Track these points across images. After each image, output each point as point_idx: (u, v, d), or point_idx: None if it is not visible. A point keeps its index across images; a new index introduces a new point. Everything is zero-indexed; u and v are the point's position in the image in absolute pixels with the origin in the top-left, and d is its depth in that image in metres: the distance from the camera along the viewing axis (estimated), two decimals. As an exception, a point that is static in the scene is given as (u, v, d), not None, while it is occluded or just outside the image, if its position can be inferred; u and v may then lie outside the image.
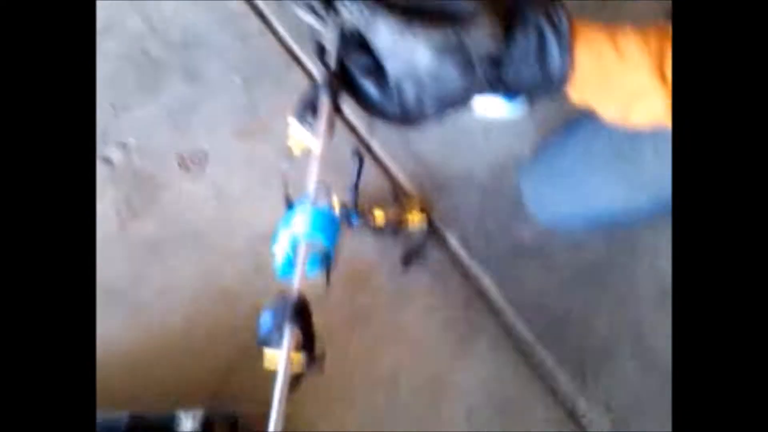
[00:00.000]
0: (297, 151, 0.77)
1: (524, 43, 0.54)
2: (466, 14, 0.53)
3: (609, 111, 0.61)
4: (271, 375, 0.71)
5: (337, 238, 0.68)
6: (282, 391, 0.57)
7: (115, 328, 1.00)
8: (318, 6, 0.57)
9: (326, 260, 0.73)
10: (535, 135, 1.16)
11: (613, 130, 0.86)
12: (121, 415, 0.86)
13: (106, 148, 1.15)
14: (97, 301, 1.02)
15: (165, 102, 1.19)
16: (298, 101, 0.67)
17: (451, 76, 0.54)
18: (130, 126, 1.17)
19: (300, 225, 0.66)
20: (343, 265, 1.05)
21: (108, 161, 1.14)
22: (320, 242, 0.67)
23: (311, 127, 0.67)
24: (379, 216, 1.05)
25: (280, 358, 0.59)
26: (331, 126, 0.63)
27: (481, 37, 0.52)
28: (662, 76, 0.57)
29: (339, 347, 0.99)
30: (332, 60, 0.58)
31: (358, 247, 1.07)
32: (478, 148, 1.16)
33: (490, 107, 1.16)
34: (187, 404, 0.89)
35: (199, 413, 0.86)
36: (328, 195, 0.70)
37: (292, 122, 0.68)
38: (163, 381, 0.96)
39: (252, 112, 1.18)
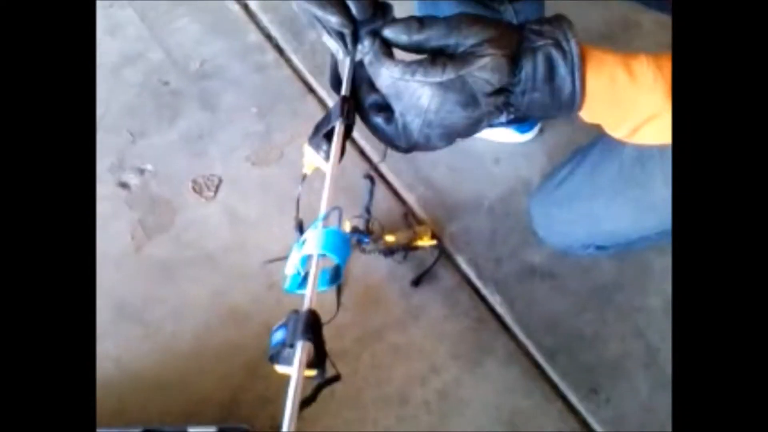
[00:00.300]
0: (308, 171, 0.80)
1: (532, 71, 0.53)
2: (470, 50, 0.53)
3: (619, 130, 0.60)
4: (281, 392, 0.72)
5: (347, 257, 0.69)
6: (293, 407, 0.56)
7: (127, 346, 1.01)
8: (347, 35, 0.60)
9: (336, 276, 0.74)
10: (544, 160, 1.18)
11: (622, 155, 0.88)
12: (135, 429, 0.86)
13: (123, 174, 1.18)
14: (111, 320, 1.04)
15: (182, 130, 1.22)
16: (314, 127, 0.71)
17: (455, 111, 0.54)
18: (147, 152, 1.20)
19: (311, 245, 0.67)
20: (355, 286, 1.07)
21: (125, 186, 1.17)
22: (331, 259, 0.68)
23: (324, 152, 0.70)
24: (390, 240, 1.07)
25: (291, 373, 0.58)
26: (341, 151, 0.67)
27: (484, 74, 0.52)
28: None
29: (350, 365, 0.99)
30: (346, 89, 0.62)
31: (370, 269, 1.08)
32: (487, 173, 1.18)
33: (499, 133, 1.18)
34: (198, 421, 0.89)
35: (210, 430, 0.86)
36: (339, 217, 0.72)
37: (306, 147, 0.71)
38: (174, 398, 0.96)
39: (267, 140, 1.21)
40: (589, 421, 0.98)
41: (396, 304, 1.05)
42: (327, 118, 0.65)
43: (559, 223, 1.02)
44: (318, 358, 0.61)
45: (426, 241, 1.08)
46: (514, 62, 0.53)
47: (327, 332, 0.90)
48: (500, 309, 1.06)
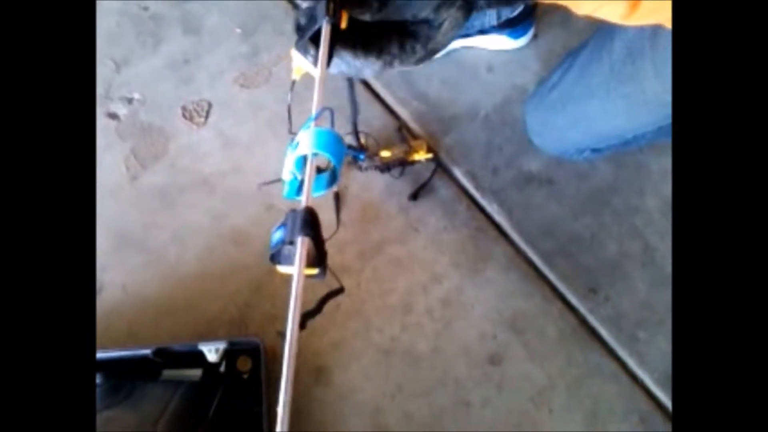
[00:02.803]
0: (297, 76, 0.78)
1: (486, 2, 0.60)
2: (428, 19, 0.60)
3: (580, 12, 0.64)
4: (287, 305, 0.73)
5: (342, 158, 0.68)
6: (296, 306, 0.57)
7: (131, 273, 1.02)
8: None
9: (332, 179, 0.73)
10: (538, 66, 1.16)
11: (612, 54, 0.87)
12: (147, 349, 0.88)
13: (111, 104, 1.16)
14: (113, 249, 1.04)
15: (166, 55, 1.19)
16: (300, 30, 0.69)
17: None
18: (133, 81, 1.18)
19: (305, 145, 0.66)
20: (353, 203, 1.08)
21: (114, 116, 1.15)
22: (326, 159, 0.67)
23: (312, 56, 0.68)
24: (386, 155, 1.06)
25: (293, 270, 0.59)
26: (329, 53, 0.65)
27: (448, 38, 0.61)
28: None
29: (353, 279, 1.01)
30: None
31: (367, 186, 1.08)
32: (481, 83, 1.16)
33: (492, 40, 1.15)
34: (209, 339, 0.91)
35: (221, 346, 0.88)
36: (332, 118, 0.71)
37: (293, 52, 0.69)
38: (184, 320, 0.98)
39: (254, 61, 1.19)
40: (589, 320, 1.00)
41: (395, 219, 1.06)
42: (312, 19, 0.63)
43: (553, 128, 1.01)
44: (318, 257, 0.61)
45: (422, 155, 1.08)
46: (468, 4, 0.59)
47: (329, 249, 0.89)
48: (498, 217, 1.07)
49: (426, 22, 0.60)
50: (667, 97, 0.82)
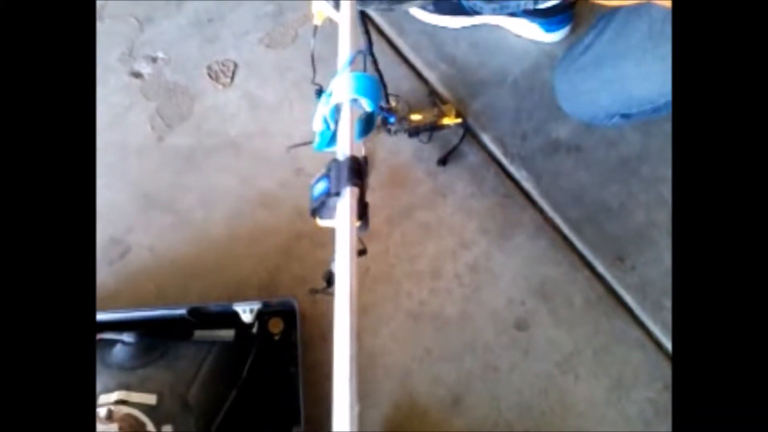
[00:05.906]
0: (319, 21, 0.76)
1: None
2: None
3: None
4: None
5: (378, 102, 0.65)
6: (351, 256, 0.55)
7: (159, 234, 1.02)
8: None
9: (368, 126, 0.70)
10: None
11: (651, 13, 0.85)
12: (182, 309, 0.88)
13: (135, 63, 1.14)
14: (139, 210, 1.04)
15: (190, 13, 1.17)
16: None
17: None
18: (157, 39, 1.16)
19: (341, 91, 0.63)
20: (381, 167, 1.07)
21: (138, 75, 1.14)
22: (365, 104, 0.63)
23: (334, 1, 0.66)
24: (415, 119, 1.05)
25: (337, 224, 0.57)
26: None
27: None
28: None
29: (381, 243, 1.01)
30: None
31: (395, 150, 1.08)
32: (510, 47, 1.14)
33: (523, 28, 1.13)
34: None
35: (256, 306, 0.89)
36: (365, 61, 0.67)
37: None
38: (213, 282, 0.98)
39: (279, 21, 1.17)
40: (615, 288, 1.01)
41: (423, 184, 1.06)
42: None
43: (584, 92, 1.00)
44: (360, 209, 0.59)
45: (451, 120, 1.07)
46: None
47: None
48: (526, 184, 1.06)
49: None
50: None
